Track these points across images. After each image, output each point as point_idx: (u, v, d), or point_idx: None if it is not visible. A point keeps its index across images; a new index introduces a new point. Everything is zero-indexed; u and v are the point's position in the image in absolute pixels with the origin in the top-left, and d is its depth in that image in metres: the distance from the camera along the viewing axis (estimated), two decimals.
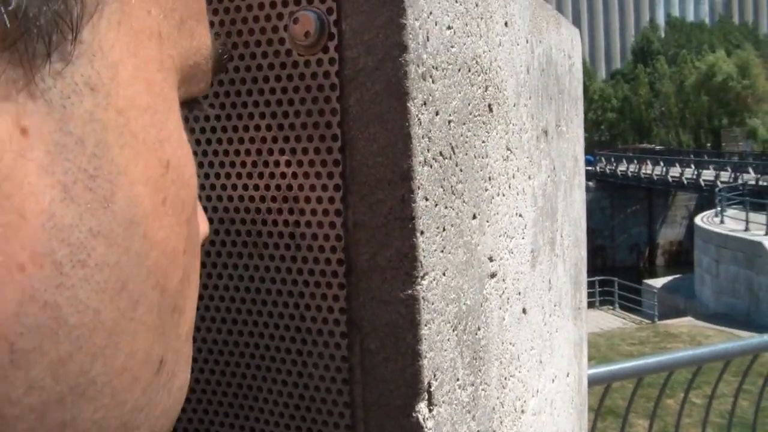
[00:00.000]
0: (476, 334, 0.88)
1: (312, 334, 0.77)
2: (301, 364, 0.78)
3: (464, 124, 0.84)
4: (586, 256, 1.75)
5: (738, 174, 39.29)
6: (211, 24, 0.82)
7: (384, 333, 0.74)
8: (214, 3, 0.81)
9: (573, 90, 1.61)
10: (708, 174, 41.81)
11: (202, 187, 0.82)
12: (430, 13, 0.76)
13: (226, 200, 0.82)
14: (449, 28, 0.81)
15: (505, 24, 1.04)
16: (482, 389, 0.91)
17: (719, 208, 29.96)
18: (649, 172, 46.68)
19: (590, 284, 28.88)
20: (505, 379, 1.01)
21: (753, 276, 24.49)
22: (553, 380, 1.37)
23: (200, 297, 0.85)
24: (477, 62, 0.90)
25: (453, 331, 0.80)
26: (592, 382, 5.37)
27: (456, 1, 0.84)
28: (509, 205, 1.02)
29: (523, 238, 1.11)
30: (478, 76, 0.90)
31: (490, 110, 0.94)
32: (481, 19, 0.93)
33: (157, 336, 0.38)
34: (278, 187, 0.77)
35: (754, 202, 27.58)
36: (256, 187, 0.78)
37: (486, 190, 0.91)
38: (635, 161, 49.48)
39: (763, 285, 23.88)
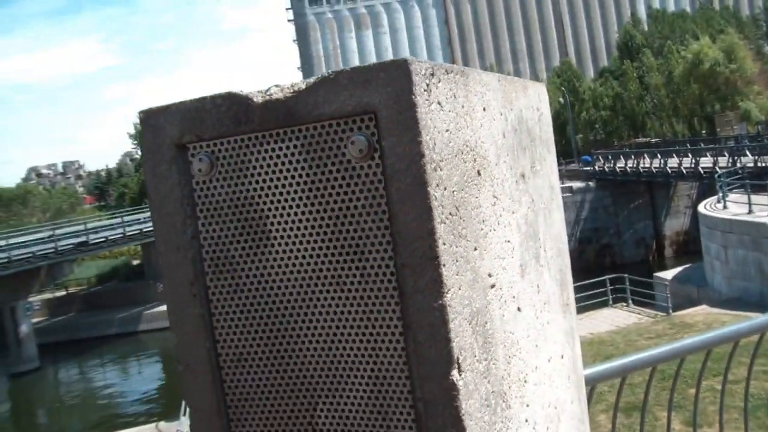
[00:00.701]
0: (485, 326, 1.34)
1: (381, 334, 1.24)
2: (375, 355, 1.25)
3: (463, 189, 1.30)
4: (569, 262, 2.20)
5: (736, 158, 39.52)
6: (296, 146, 1.28)
7: (427, 330, 1.20)
8: (303, 131, 1.28)
9: (543, 134, 2.07)
10: (706, 161, 42.09)
11: (302, 249, 1.28)
12: (434, 126, 1.23)
13: (315, 256, 1.29)
14: (447, 130, 1.28)
15: (483, 109, 1.51)
16: (493, 363, 1.36)
17: (721, 194, 30.15)
18: (647, 165, 47.02)
19: (601, 283, 29.13)
20: (510, 357, 1.47)
21: (762, 257, 24.73)
22: (549, 360, 1.82)
23: (307, 320, 1.31)
24: (467, 145, 1.36)
25: (469, 324, 1.26)
26: (608, 377, 5.72)
27: (450, 111, 1.30)
28: (499, 236, 1.48)
29: (512, 257, 1.56)
30: (468, 154, 1.37)
31: (479, 174, 1.40)
32: (467, 114, 1.39)
33: None
34: (350, 246, 1.23)
35: (754, 184, 27.78)
36: (335, 247, 1.24)
37: (482, 229, 1.37)
38: (633, 156, 49.84)
39: None
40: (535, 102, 2.02)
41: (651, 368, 5.93)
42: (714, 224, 27.99)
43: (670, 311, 26.40)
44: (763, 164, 35.47)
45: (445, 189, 1.23)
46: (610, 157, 52.96)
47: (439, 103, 1.25)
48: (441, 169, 1.22)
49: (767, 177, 30.76)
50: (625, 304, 29.18)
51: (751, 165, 36.21)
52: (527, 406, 1.58)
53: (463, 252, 1.27)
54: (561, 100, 71.96)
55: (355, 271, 1.24)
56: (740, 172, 34.35)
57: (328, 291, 1.26)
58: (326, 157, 1.25)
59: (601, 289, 29.26)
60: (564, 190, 51.15)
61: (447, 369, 1.20)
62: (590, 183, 51.62)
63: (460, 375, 1.22)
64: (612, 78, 79.55)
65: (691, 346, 6.05)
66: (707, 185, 41.30)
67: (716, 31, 77.16)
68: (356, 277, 1.24)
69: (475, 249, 1.33)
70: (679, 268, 34.78)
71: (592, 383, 5.46)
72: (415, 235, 1.19)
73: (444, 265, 1.19)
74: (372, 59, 71.83)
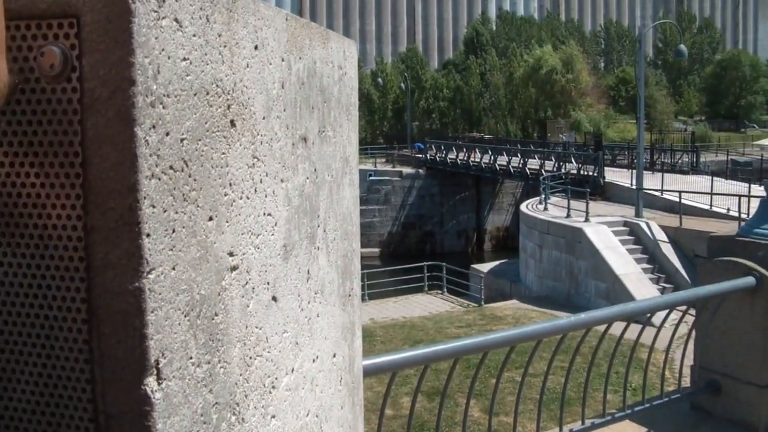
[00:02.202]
0: (213, 319, 1.03)
1: (59, 320, 0.91)
2: (50, 347, 0.92)
3: (200, 140, 0.99)
4: (359, 248, 1.93)
5: (561, 163, 40.88)
6: None
7: (117, 319, 0.88)
8: None
9: (344, 98, 1.78)
10: (534, 163, 43.32)
11: None
12: (163, 49, 0.91)
13: None
14: (185, 59, 0.96)
15: (255, 47, 1.20)
16: (221, 367, 1.06)
17: (543, 196, 31.15)
18: (477, 160, 47.95)
19: (419, 269, 29.60)
20: (250, 358, 1.17)
21: (573, 260, 25.68)
22: (314, 360, 1.54)
23: None
24: (217, 85, 1.05)
25: (185, 317, 0.95)
26: (412, 364, 5.60)
27: (194, 35, 0.98)
28: (255, 206, 1.18)
29: (273, 234, 1.26)
30: (219, 97, 1.05)
31: (233, 125, 1.09)
32: (225, 46, 1.08)
33: None
34: (29, 195, 0.89)
35: (575, 190, 28.85)
36: (9, 195, 0.90)
37: (226, 195, 1.07)
38: (464, 149, 50.72)
39: (582, 269, 25.10)
40: (336, 58, 1.73)
41: (454, 360, 5.85)
42: (533, 224, 28.85)
43: (483, 303, 27.06)
44: (586, 173, 36.81)
45: (168, 134, 0.91)
46: (442, 147, 53.60)
47: (177, 21, 0.93)
48: (164, 107, 0.90)
49: (587, 185, 31.99)
50: (440, 291, 29.65)
51: (575, 172, 37.53)
52: (273, 417, 1.29)
53: (187, 220, 0.95)
54: (402, 85, 72.38)
55: (33, 231, 0.90)
56: (564, 177, 35.57)
57: None
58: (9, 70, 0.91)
59: (419, 275, 29.65)
60: (394, 174, 51.64)
61: (139, 375, 0.89)
62: (420, 170, 52.15)
63: (159, 384, 0.90)
64: (455, 71, 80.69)
65: (495, 341, 5.99)
66: (531, 186, 42.51)
67: (559, 41, 79.84)
68: (34, 238, 0.90)
69: (211, 219, 1.02)
70: (496, 263, 35.76)
71: (395, 369, 5.33)
72: (110, 190, 0.86)
73: (149, 235, 0.87)
74: None
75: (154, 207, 0.88)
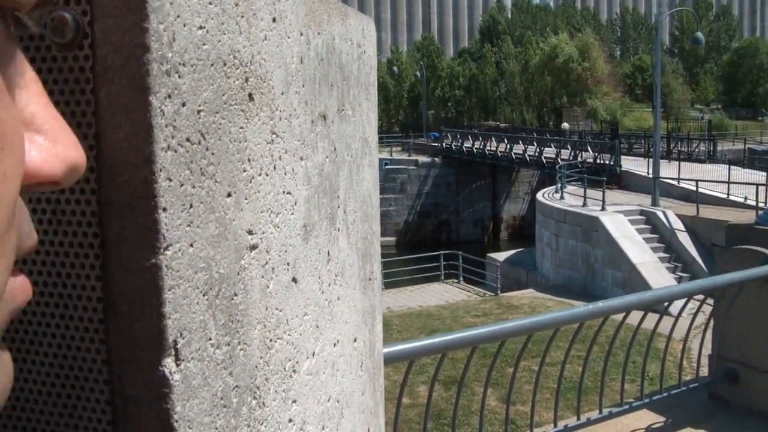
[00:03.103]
0: (233, 299, 0.99)
1: (73, 299, 0.87)
2: (64, 327, 0.88)
3: (217, 112, 0.95)
4: (378, 230, 1.89)
5: (577, 152, 40.72)
6: None
7: (132, 297, 0.85)
8: None
9: (363, 76, 1.74)
10: (550, 151, 43.17)
11: None
12: (178, 16, 0.87)
13: None
14: (201, 28, 0.92)
15: (273, 20, 1.16)
16: (241, 349, 1.02)
17: (559, 185, 31.05)
18: (493, 148, 47.83)
19: (435, 258, 29.62)
20: (271, 341, 1.13)
21: (589, 249, 25.59)
22: (334, 344, 1.50)
23: None
24: (235, 56, 1.01)
25: (203, 296, 0.91)
26: (429, 352, 5.58)
27: (210, 3, 0.94)
28: (274, 184, 1.14)
29: (292, 213, 1.23)
30: (236, 69, 1.01)
31: (251, 99, 1.06)
32: (242, 17, 1.04)
33: None
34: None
35: (591, 179, 28.76)
36: None
37: (245, 171, 1.03)
38: (480, 138, 50.59)
39: (599, 257, 25.01)
40: (356, 36, 1.69)
41: (471, 348, 5.82)
42: (549, 213, 28.77)
43: (499, 292, 27.04)
44: (602, 161, 36.68)
45: (184, 105, 0.87)
46: (458, 135, 53.49)
47: None
48: (180, 76, 0.86)
49: (604, 173, 31.89)
50: (456, 280, 29.66)
51: (591, 161, 37.40)
52: (294, 402, 1.25)
53: (205, 196, 0.92)
54: (418, 74, 72.25)
55: (46, 205, 0.87)
56: (580, 165, 35.46)
57: None
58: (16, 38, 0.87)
59: (435, 264, 29.68)
60: (409, 163, 51.61)
61: (157, 356, 0.85)
62: (436, 159, 52.11)
63: (177, 365, 0.87)
64: (471, 60, 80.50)
65: (512, 330, 5.96)
66: (548, 174, 42.42)
67: (575, 29, 79.51)
68: (46, 213, 0.87)
69: (230, 195, 0.98)
70: (512, 251, 35.71)
71: (412, 357, 5.31)
72: (125, 162, 0.83)
73: (165, 209, 0.84)
74: None
75: (170, 180, 0.84)
